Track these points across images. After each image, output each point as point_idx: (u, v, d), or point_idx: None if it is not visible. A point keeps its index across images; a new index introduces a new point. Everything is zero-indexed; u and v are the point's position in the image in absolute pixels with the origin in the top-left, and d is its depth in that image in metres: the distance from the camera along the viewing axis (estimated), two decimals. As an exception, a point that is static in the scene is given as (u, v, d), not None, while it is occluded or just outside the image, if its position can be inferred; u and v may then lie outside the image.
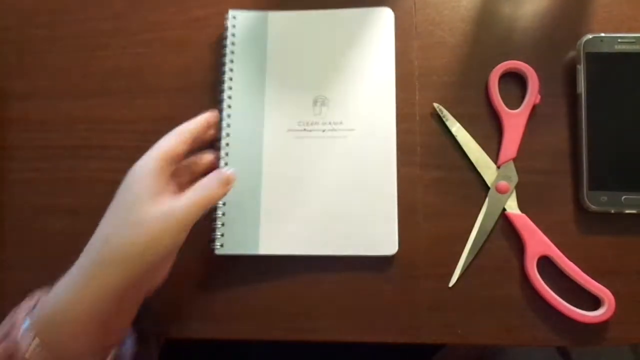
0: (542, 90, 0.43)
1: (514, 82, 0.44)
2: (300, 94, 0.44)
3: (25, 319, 0.32)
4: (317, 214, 0.42)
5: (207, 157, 0.42)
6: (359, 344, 0.41)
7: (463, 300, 0.41)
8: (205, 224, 0.43)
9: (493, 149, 0.43)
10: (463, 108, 0.44)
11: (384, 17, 0.45)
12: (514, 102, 0.43)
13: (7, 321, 0.34)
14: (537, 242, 0.41)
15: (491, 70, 0.43)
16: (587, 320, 0.39)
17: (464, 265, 0.41)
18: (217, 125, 0.43)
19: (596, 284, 0.39)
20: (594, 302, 0.40)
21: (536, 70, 0.42)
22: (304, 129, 0.43)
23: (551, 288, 0.40)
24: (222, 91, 0.45)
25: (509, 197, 0.42)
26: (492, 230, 0.41)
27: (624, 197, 0.40)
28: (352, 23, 0.45)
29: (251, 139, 0.44)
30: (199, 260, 0.43)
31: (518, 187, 0.42)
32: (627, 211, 0.40)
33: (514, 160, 0.42)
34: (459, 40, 0.45)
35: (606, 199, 0.40)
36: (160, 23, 0.47)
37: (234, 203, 0.43)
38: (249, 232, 0.42)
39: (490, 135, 0.43)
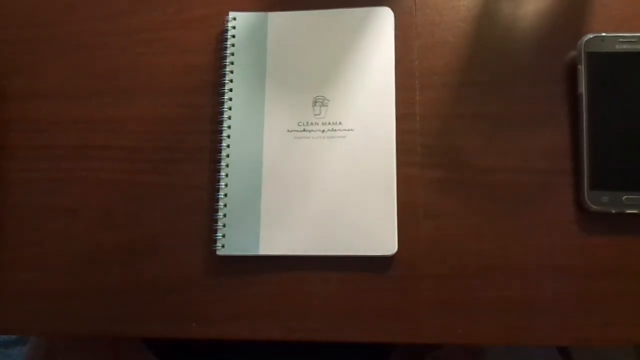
0: (542, 90, 0.42)
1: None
2: (300, 95, 0.44)
3: None
4: (317, 214, 0.42)
5: None
6: (358, 344, 0.41)
7: (463, 300, 0.41)
8: (205, 224, 0.43)
9: (494, 149, 0.43)
10: (463, 108, 0.43)
11: (384, 17, 0.45)
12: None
13: None
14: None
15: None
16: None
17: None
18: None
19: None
20: (594, 302, 0.40)
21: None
22: (304, 130, 0.43)
23: (552, 288, 0.40)
24: (222, 91, 0.45)
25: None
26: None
27: (624, 197, 0.40)
28: (352, 23, 0.45)
29: (251, 140, 0.44)
30: (200, 260, 0.43)
31: (519, 187, 0.42)
32: (628, 211, 0.40)
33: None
34: (460, 40, 0.45)
35: (607, 199, 0.40)
36: (160, 23, 0.47)
37: (234, 203, 0.43)
38: (249, 233, 0.42)
39: (491, 135, 0.43)
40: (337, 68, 0.44)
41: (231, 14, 0.46)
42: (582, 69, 0.41)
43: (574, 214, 0.41)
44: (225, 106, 0.44)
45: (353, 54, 0.44)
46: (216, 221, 0.42)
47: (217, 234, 0.42)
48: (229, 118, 0.44)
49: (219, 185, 0.43)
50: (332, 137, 0.43)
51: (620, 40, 0.41)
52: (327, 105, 0.44)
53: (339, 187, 0.42)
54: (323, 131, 0.43)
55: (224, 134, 0.44)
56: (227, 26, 0.46)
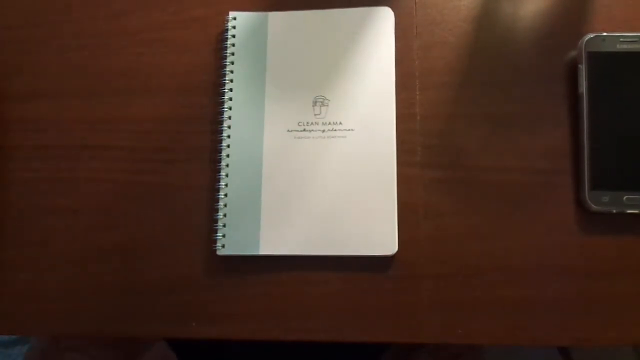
0: (543, 90, 0.42)
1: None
2: (300, 94, 0.44)
3: None
4: (317, 214, 0.42)
5: None
6: (358, 344, 0.41)
7: (463, 300, 0.41)
8: (205, 224, 0.43)
9: (494, 149, 0.43)
10: (463, 108, 0.43)
11: (384, 17, 0.45)
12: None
13: None
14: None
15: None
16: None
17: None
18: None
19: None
20: (594, 302, 0.40)
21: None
22: (304, 129, 0.43)
23: (552, 288, 0.40)
24: (222, 91, 0.45)
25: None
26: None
27: (625, 197, 0.40)
28: (352, 23, 0.45)
29: (251, 140, 0.44)
30: (200, 260, 0.43)
31: (519, 187, 0.42)
32: (629, 211, 0.40)
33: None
34: (460, 40, 0.45)
35: (607, 199, 0.40)
36: (160, 23, 0.47)
37: (234, 203, 0.43)
38: (250, 233, 0.42)
39: (491, 135, 0.43)
40: (337, 68, 0.44)
41: (231, 14, 0.46)
42: (582, 68, 0.41)
43: (574, 214, 0.41)
44: (225, 106, 0.44)
45: (353, 53, 0.44)
46: (216, 221, 0.42)
47: (217, 234, 0.42)
48: (229, 118, 0.44)
49: (219, 185, 0.43)
50: (332, 137, 0.43)
51: (621, 40, 0.41)
52: (327, 105, 0.44)
53: (339, 187, 0.42)
54: (323, 131, 0.43)
55: (224, 134, 0.44)
56: (227, 26, 0.46)
